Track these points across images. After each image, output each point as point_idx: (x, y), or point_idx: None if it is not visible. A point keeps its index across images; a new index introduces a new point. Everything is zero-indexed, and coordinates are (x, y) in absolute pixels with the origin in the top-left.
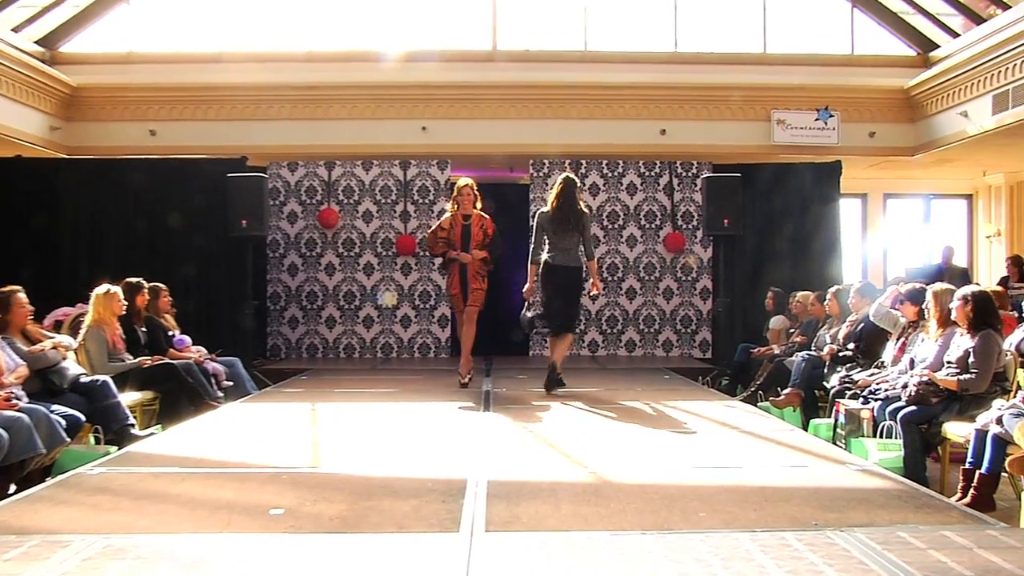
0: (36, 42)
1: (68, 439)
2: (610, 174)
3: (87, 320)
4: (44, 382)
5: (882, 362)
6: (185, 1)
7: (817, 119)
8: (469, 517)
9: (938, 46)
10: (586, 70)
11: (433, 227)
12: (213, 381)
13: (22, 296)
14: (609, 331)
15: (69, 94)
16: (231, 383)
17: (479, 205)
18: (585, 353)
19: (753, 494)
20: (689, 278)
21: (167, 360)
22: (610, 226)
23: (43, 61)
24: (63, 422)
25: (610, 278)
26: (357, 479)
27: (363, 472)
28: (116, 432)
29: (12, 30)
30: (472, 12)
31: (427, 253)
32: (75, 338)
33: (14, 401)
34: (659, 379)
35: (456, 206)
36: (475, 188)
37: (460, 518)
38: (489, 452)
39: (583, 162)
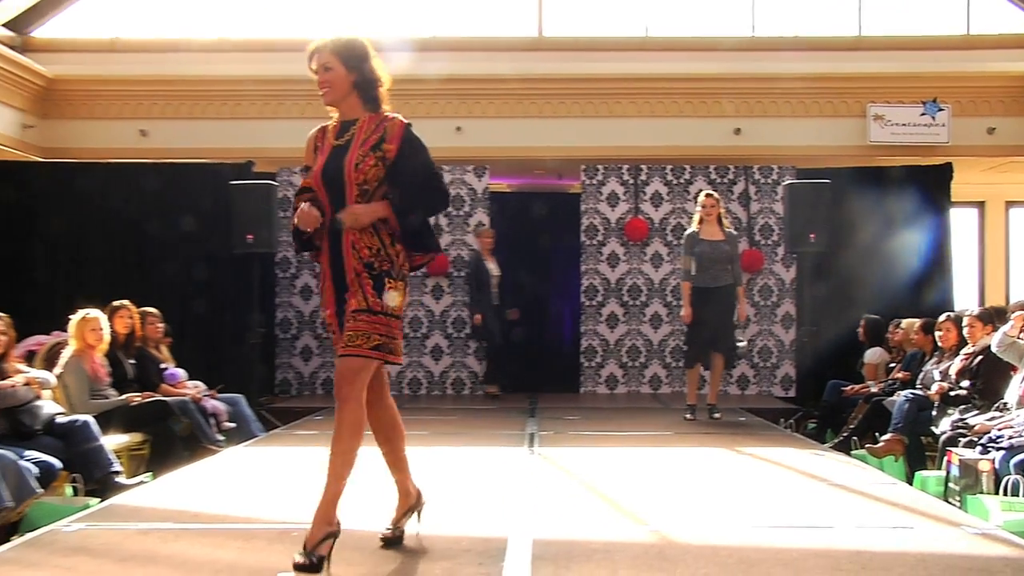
0: (3, 25)
1: (40, 490)
2: (675, 181)
3: (66, 351)
4: (13, 423)
5: (1004, 403)
6: None
7: (923, 114)
8: None
9: None
10: (647, 59)
11: None
12: (213, 421)
13: None
14: (674, 365)
15: (44, 87)
16: (234, 424)
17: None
18: (646, 390)
19: (847, 560)
20: (768, 303)
21: (159, 397)
22: (675, 241)
23: (13, 48)
24: (35, 470)
25: (676, 302)
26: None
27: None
28: (98, 481)
29: None
30: None
31: (460, 272)
32: (50, 371)
33: None
34: (733, 421)
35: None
36: (366, 48)
37: None
38: (533, 505)
39: (643, 167)
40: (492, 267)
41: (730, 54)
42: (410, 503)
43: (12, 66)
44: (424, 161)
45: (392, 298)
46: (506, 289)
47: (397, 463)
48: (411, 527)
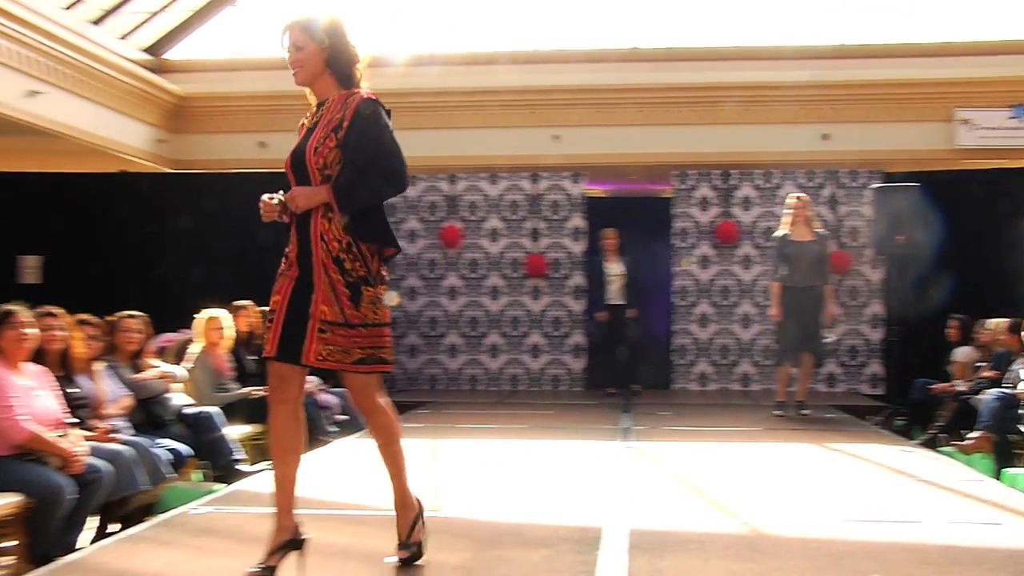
0: (143, 50)
1: (172, 474)
2: (765, 185)
3: (193, 347)
4: (148, 413)
5: None
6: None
7: (1012, 117)
8: (607, 570)
9: None
10: (736, 68)
11: None
12: (326, 414)
13: (131, 321)
14: (764, 362)
15: (175, 104)
16: (345, 417)
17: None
18: (736, 387)
19: (936, 555)
20: (856, 302)
21: None
22: (765, 244)
23: (150, 69)
24: (167, 456)
25: (766, 303)
26: (483, 524)
27: (489, 517)
28: (223, 468)
29: (120, 38)
30: (608, 7)
31: (557, 273)
32: (180, 366)
33: (115, 434)
34: (822, 417)
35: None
36: (340, 24)
37: (596, 571)
38: (628, 497)
39: (733, 172)
40: (612, 267)
41: (818, 62)
42: (412, 516)
43: (148, 86)
44: (375, 137)
45: (389, 299)
46: (629, 289)
47: (390, 468)
48: (510, 515)
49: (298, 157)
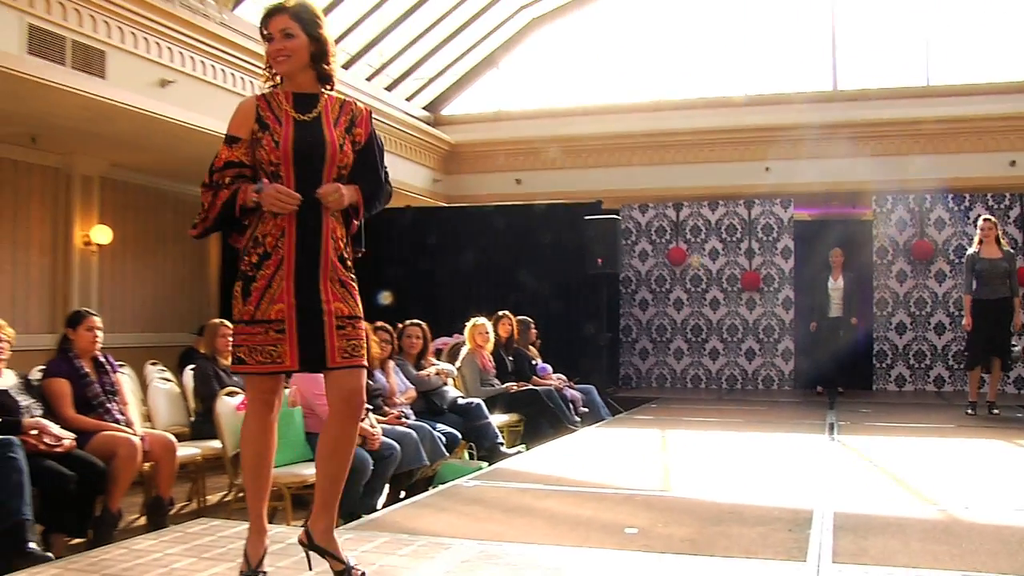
0: (423, 108)
1: (447, 454)
2: (956, 208)
3: (463, 349)
4: (428, 403)
5: None
6: (546, 63)
7: None
8: (816, 547)
9: None
10: (928, 105)
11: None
12: (571, 407)
13: (414, 328)
14: (956, 367)
15: (448, 151)
16: (587, 409)
17: (333, 66)
18: (931, 389)
19: None
20: None
21: (531, 386)
22: (957, 260)
23: (428, 124)
24: (443, 439)
25: (958, 313)
26: (706, 504)
27: (711, 498)
28: (487, 449)
29: (406, 99)
30: (812, 54)
31: (769, 287)
32: (453, 364)
33: (403, 419)
34: (1011, 417)
35: (270, 68)
36: (321, 15)
37: (807, 548)
38: (834, 483)
39: (927, 196)
40: (836, 282)
41: (1005, 96)
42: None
43: (428, 137)
44: (383, 155)
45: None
46: (849, 301)
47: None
48: (729, 497)
49: (309, 149)
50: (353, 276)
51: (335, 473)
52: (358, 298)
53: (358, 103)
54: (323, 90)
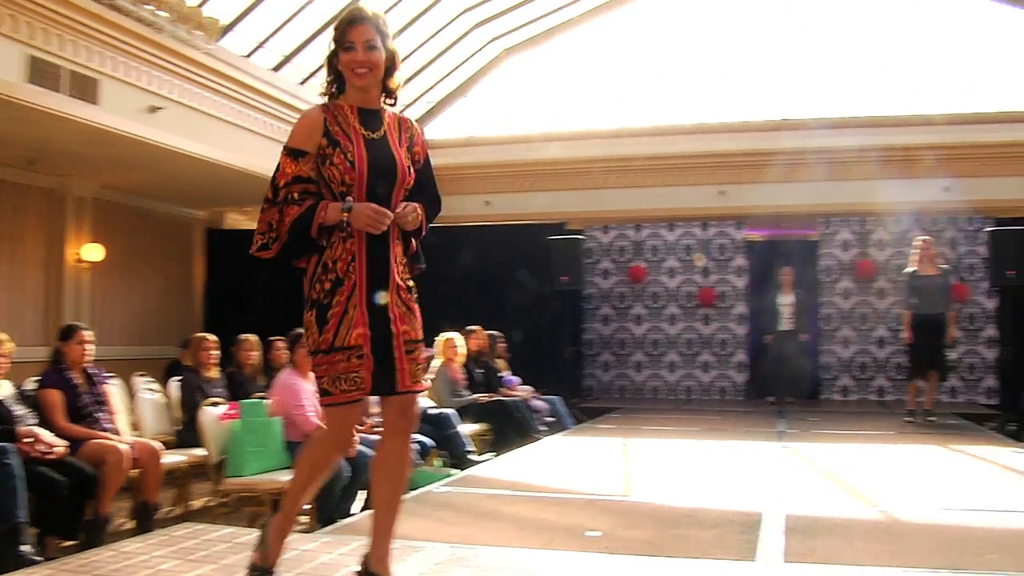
0: None
1: (420, 461)
2: (896, 230)
3: (435, 362)
4: None
5: None
6: (514, 91)
7: None
8: (767, 548)
9: None
10: (870, 134)
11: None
12: (537, 416)
13: None
14: (896, 377)
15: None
16: (553, 418)
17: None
18: (873, 398)
19: None
20: (974, 327)
21: (499, 397)
22: (897, 278)
23: None
24: (416, 447)
25: (898, 327)
26: (664, 508)
27: (669, 502)
28: (457, 457)
29: None
30: (762, 85)
31: (724, 303)
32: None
33: (376, 428)
34: (946, 423)
35: (334, 80)
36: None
37: (758, 549)
38: (784, 488)
39: (869, 219)
40: (785, 299)
41: (942, 128)
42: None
43: None
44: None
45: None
46: (799, 316)
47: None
48: (686, 501)
49: (384, 170)
50: (415, 299)
51: (389, 498)
52: (421, 322)
53: (410, 119)
54: (384, 105)
